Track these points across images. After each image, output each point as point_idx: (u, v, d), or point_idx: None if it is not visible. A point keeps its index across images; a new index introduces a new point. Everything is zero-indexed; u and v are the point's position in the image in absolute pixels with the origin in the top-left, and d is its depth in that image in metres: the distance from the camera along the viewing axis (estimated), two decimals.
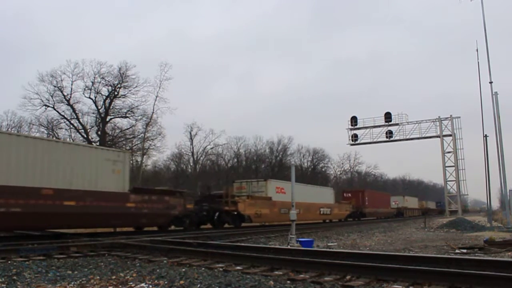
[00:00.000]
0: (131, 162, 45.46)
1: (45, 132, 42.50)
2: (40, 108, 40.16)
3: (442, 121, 40.56)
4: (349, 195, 40.03)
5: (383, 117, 42.38)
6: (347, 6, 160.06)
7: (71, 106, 41.19)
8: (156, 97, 42.45)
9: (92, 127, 42.91)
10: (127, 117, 43.16)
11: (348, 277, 6.14)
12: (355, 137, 43.83)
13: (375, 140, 43.09)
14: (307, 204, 27.67)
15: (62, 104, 41.02)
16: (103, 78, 41.42)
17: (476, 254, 10.59)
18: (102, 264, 7.81)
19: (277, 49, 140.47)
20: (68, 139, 42.83)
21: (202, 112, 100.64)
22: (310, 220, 29.34)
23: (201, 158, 59.17)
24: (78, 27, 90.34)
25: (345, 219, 35.86)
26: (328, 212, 31.69)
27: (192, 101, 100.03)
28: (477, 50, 26.85)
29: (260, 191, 24.53)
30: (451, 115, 40.32)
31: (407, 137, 41.93)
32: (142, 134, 43.69)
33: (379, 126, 42.48)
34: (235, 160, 63.68)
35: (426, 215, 56.59)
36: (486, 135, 23.85)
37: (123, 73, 41.67)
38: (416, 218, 48.18)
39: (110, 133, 43.57)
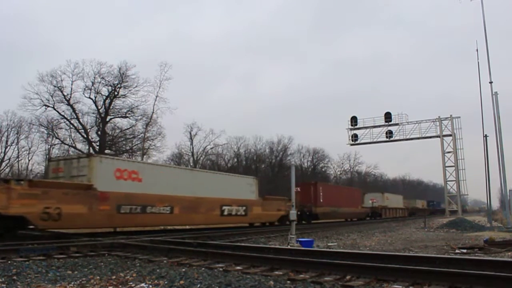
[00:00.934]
0: None
1: (45, 132, 42.58)
2: (40, 108, 40.15)
3: (442, 121, 40.59)
4: (298, 189, 29.50)
5: (383, 117, 42.41)
6: (348, 8, 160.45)
7: (71, 106, 41.18)
8: (156, 97, 42.54)
9: (92, 127, 42.92)
10: (127, 117, 43.20)
11: (348, 277, 6.14)
12: (355, 137, 43.85)
13: (375, 140, 43.14)
14: (192, 200, 18.00)
15: (62, 104, 41.01)
16: (103, 78, 41.44)
17: (476, 254, 10.59)
18: (102, 264, 7.81)
19: (279, 50, 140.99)
20: (68, 139, 42.93)
21: (204, 112, 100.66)
22: (200, 223, 19.85)
23: (201, 158, 59.19)
24: (80, 28, 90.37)
25: (280, 222, 24.24)
26: (242, 213, 21.04)
27: (193, 101, 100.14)
28: (477, 50, 26.91)
29: (81, 175, 14.76)
30: (451, 115, 40.37)
31: (407, 137, 41.98)
32: (142, 134, 43.73)
33: (379, 126, 42.51)
34: (235, 160, 63.71)
35: (414, 216, 52.21)
36: (486, 135, 23.88)
37: (123, 73, 41.70)
38: (398, 220, 40.76)
39: (110, 133, 43.58)
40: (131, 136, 44.66)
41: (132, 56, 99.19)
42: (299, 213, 26.30)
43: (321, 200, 30.26)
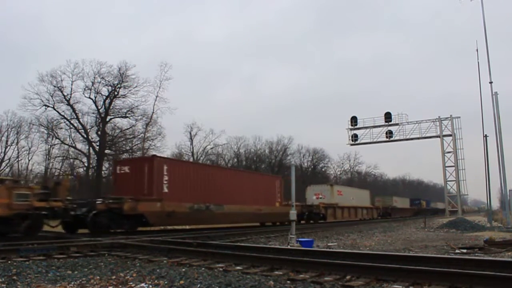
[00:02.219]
0: None
1: (45, 132, 42.61)
2: (40, 108, 40.24)
3: (442, 121, 40.56)
4: (126, 170, 18.68)
5: (383, 117, 42.37)
6: (349, 10, 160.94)
7: (71, 106, 41.23)
8: (156, 97, 42.61)
9: (92, 127, 42.95)
10: (127, 117, 43.24)
11: (348, 277, 6.14)
12: (355, 137, 43.80)
13: (375, 140, 43.08)
14: None
15: (62, 104, 41.10)
16: (103, 78, 41.50)
17: (476, 254, 10.59)
18: (102, 264, 7.81)
19: (281, 52, 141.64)
20: (68, 139, 42.97)
21: (205, 113, 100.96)
22: None
23: (201, 158, 59.18)
24: (86, 31, 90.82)
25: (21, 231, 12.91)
26: None
27: (195, 102, 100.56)
28: (477, 50, 26.88)
29: None
30: (451, 115, 40.34)
31: (407, 137, 41.92)
32: (142, 134, 43.75)
33: (379, 126, 42.47)
34: (235, 160, 63.72)
35: (388, 219, 42.37)
36: (486, 135, 23.87)
37: (123, 73, 41.75)
38: (353, 224, 28.70)
39: (110, 133, 43.59)
40: (131, 136, 44.72)
41: (136, 57, 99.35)
42: (94, 212, 15.50)
43: (166, 190, 17.42)
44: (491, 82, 24.12)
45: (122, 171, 18.72)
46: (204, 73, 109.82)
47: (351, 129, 43.53)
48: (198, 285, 5.64)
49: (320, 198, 32.61)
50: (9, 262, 7.83)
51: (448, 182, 40.68)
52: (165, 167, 17.89)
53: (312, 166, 72.18)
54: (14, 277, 6.23)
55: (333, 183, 40.11)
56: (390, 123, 42.10)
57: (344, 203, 34.95)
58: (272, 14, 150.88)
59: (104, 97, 42.07)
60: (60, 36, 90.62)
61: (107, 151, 42.84)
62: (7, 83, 68.99)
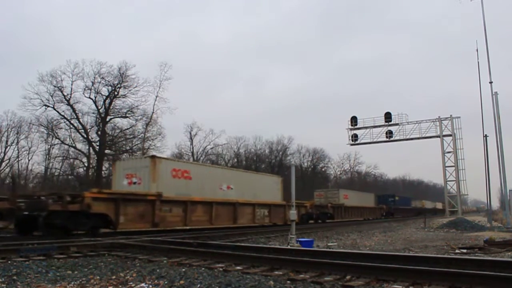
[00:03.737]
0: None
1: (45, 132, 42.64)
2: (40, 108, 40.33)
3: (442, 121, 40.52)
4: None
5: (383, 117, 42.32)
6: (350, 12, 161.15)
7: (71, 106, 41.29)
8: (156, 97, 42.68)
9: (92, 127, 43.01)
10: (127, 117, 43.33)
11: (348, 277, 6.14)
12: (355, 137, 43.75)
13: (375, 140, 43.03)
14: None
15: (62, 104, 41.21)
16: (103, 78, 41.59)
17: (476, 254, 10.59)
18: (102, 264, 7.80)
19: (282, 54, 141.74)
20: (67, 139, 42.99)
21: (207, 114, 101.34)
22: None
23: (201, 158, 59.22)
24: (91, 32, 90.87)
25: None
26: None
27: (196, 103, 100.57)
28: (477, 50, 26.86)
29: None
30: (451, 115, 40.29)
31: (407, 137, 41.88)
32: (142, 134, 43.79)
33: (379, 126, 42.41)
34: (235, 160, 63.75)
35: (327, 224, 27.48)
36: (486, 135, 23.87)
37: (123, 73, 41.81)
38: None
39: (110, 133, 43.63)
40: (131, 136, 44.80)
41: (140, 59, 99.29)
42: None
43: None
44: (491, 82, 24.11)
45: None
46: (206, 74, 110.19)
47: (351, 129, 43.49)
48: (198, 285, 5.64)
49: (134, 183, 17.50)
50: (9, 262, 7.82)
51: (448, 182, 40.64)
52: None
53: (312, 166, 72.25)
54: (14, 277, 6.23)
55: (159, 155, 21.72)
56: (390, 123, 42.04)
57: (193, 194, 18.27)
58: (274, 16, 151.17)
59: (104, 97, 42.20)
60: (65, 38, 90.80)
61: (107, 151, 42.88)
62: (8, 83, 69.06)
